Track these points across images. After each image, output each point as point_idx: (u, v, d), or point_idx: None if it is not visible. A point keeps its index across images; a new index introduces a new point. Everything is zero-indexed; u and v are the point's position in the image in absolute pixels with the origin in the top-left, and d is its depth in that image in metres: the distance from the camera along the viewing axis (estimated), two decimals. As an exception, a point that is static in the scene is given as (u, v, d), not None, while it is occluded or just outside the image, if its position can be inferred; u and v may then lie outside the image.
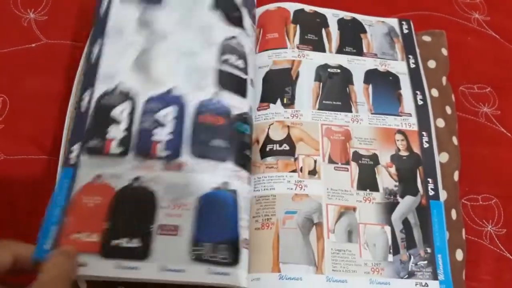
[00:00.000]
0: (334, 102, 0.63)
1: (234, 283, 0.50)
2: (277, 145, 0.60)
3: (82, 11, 0.71)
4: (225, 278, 0.50)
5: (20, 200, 0.59)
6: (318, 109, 0.62)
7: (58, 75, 0.66)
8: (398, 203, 0.58)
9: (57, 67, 0.67)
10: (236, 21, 0.65)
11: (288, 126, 0.61)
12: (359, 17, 0.72)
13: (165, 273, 0.49)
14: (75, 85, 0.62)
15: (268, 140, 0.60)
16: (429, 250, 0.56)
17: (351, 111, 0.63)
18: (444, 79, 0.69)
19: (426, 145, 0.61)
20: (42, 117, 0.64)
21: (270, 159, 0.59)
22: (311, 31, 0.68)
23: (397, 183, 0.59)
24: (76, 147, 0.54)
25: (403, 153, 0.61)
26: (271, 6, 0.71)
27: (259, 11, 0.71)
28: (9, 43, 0.68)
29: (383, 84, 0.65)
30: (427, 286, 0.54)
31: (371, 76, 0.66)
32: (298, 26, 0.68)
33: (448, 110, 0.66)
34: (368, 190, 0.58)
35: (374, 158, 0.60)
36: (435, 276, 0.55)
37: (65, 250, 0.48)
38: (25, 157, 0.61)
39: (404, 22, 0.72)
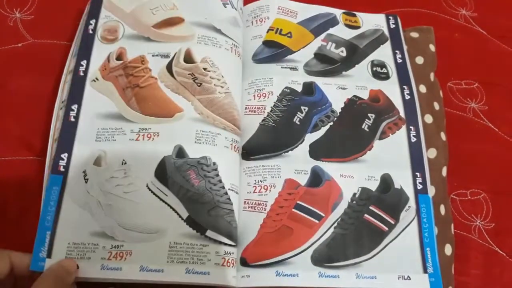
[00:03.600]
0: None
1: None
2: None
3: (68, 10, 0.71)
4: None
5: (9, 201, 0.58)
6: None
7: (45, 74, 0.66)
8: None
9: (43, 66, 0.67)
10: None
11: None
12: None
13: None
14: (61, 84, 0.62)
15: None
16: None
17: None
18: (432, 75, 0.69)
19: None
20: (29, 117, 0.63)
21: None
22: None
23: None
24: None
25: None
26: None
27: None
28: (-5, 43, 0.68)
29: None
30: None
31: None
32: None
33: (436, 106, 0.67)
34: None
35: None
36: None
37: (64, 265, 0.50)
38: (14, 158, 0.61)
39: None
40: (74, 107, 0.59)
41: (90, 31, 0.64)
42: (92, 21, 0.65)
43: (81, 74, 0.61)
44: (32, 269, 0.49)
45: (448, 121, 0.67)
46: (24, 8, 0.72)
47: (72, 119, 0.58)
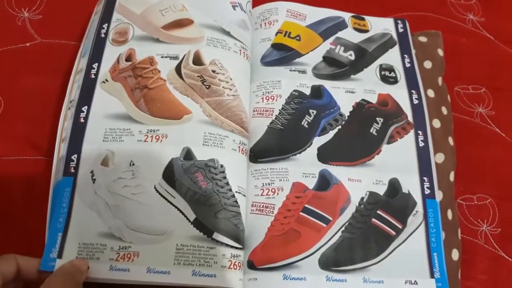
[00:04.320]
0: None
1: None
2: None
3: (77, 10, 0.71)
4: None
5: (16, 201, 0.58)
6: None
7: (53, 74, 0.66)
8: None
9: (51, 66, 0.67)
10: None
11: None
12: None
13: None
14: (69, 84, 0.62)
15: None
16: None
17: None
18: (440, 80, 0.69)
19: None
20: (37, 117, 0.63)
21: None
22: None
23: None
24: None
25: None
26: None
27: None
28: (3, 43, 0.68)
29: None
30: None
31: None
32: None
33: (444, 110, 0.67)
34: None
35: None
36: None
37: (76, 264, 0.50)
38: (20, 158, 0.61)
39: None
40: (84, 108, 0.59)
41: (103, 35, 0.64)
42: (105, 25, 0.65)
43: (93, 76, 0.61)
44: (42, 269, 0.49)
45: (455, 126, 0.67)
46: (33, 8, 0.72)
47: (82, 120, 0.58)
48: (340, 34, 0.70)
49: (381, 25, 0.72)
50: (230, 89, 0.61)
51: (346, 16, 0.71)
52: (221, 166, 0.56)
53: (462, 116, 0.71)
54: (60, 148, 0.58)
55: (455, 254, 0.58)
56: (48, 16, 0.71)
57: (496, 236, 0.63)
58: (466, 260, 0.60)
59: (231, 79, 0.62)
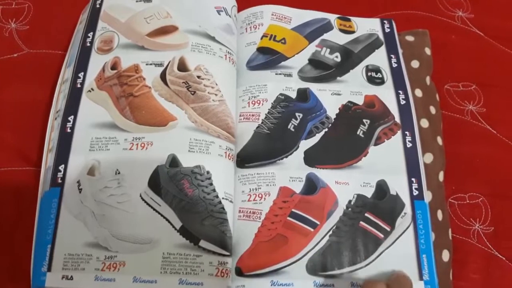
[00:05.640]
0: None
1: None
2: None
3: (63, 20, 0.71)
4: None
5: (4, 212, 0.58)
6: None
7: (41, 84, 0.66)
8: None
9: (39, 76, 0.67)
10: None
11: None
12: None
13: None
14: (56, 94, 0.62)
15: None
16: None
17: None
18: (428, 79, 0.68)
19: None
20: (25, 127, 0.63)
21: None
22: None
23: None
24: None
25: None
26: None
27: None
28: (-10, 54, 0.68)
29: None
30: None
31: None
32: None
33: (432, 110, 0.66)
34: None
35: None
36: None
37: None
38: (9, 169, 0.61)
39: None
40: (71, 118, 0.59)
41: (88, 44, 0.64)
42: (90, 34, 0.65)
43: (78, 86, 0.61)
44: (35, 285, 0.50)
45: (446, 124, 0.67)
46: (20, 19, 0.72)
47: (69, 130, 0.58)
48: (326, 36, 0.69)
49: (367, 26, 0.71)
50: (216, 95, 0.61)
51: (332, 17, 0.71)
52: (207, 172, 0.56)
53: (452, 114, 0.70)
54: (48, 159, 0.58)
55: (446, 255, 0.58)
56: (35, 27, 0.71)
57: (488, 235, 0.62)
58: (458, 260, 0.59)
59: (216, 84, 0.62)
